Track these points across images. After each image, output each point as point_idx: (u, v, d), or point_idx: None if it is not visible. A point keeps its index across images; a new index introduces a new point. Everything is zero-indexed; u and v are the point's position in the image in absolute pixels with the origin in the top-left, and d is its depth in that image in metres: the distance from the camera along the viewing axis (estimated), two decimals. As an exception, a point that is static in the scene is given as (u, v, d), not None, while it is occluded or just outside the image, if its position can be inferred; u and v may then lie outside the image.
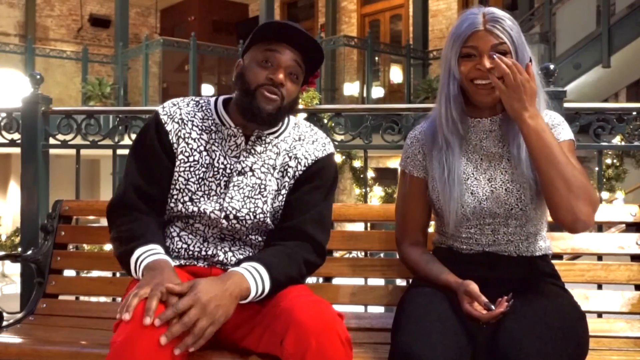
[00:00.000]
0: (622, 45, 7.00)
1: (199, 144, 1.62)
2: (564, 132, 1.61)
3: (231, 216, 1.60)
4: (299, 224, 1.60)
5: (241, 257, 1.63)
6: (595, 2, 7.45)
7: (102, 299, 2.72)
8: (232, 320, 1.56)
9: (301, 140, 1.68)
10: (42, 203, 2.57)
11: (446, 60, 1.59)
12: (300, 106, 2.71)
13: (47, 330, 1.93)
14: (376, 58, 10.83)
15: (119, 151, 2.61)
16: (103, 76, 11.00)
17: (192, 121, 1.64)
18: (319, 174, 1.65)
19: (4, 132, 2.64)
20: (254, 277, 1.46)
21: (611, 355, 1.72)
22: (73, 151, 2.61)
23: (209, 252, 1.62)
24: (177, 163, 1.61)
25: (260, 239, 1.66)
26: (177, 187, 1.62)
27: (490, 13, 1.55)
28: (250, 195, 1.61)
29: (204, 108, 1.66)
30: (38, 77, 2.61)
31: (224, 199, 1.60)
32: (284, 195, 1.64)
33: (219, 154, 1.62)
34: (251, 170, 1.62)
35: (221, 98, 1.69)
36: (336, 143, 2.60)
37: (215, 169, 1.61)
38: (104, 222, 1.83)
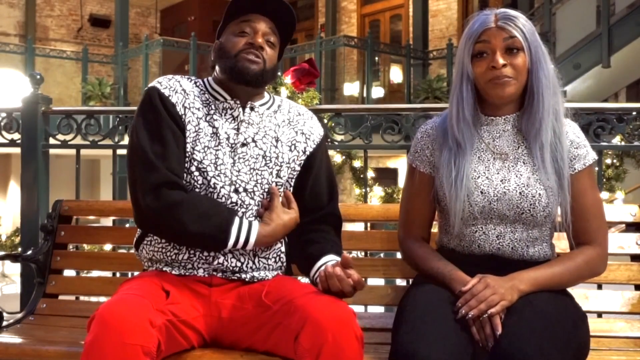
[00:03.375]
0: (622, 45, 6.99)
1: (203, 113, 1.64)
2: (589, 154, 1.62)
3: (240, 189, 1.61)
4: (332, 209, 1.74)
5: (242, 257, 1.61)
6: (595, 2, 7.45)
7: (102, 299, 2.71)
8: (237, 318, 1.56)
9: (301, 115, 1.75)
10: (42, 203, 2.57)
11: (459, 61, 1.59)
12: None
13: (47, 330, 1.93)
14: (376, 58, 10.84)
15: (119, 151, 2.61)
16: (103, 76, 11.00)
17: (193, 92, 1.67)
18: (326, 151, 1.77)
19: (4, 132, 2.64)
20: None
21: (611, 355, 1.72)
22: (73, 151, 2.61)
23: (209, 256, 1.60)
24: (187, 133, 1.61)
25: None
26: (187, 156, 1.61)
27: (503, 12, 1.57)
28: (255, 167, 1.63)
29: (197, 84, 1.70)
30: (38, 77, 2.61)
31: (232, 173, 1.61)
32: (294, 169, 1.69)
33: (222, 123, 1.64)
34: (253, 141, 1.65)
35: (210, 77, 1.72)
36: (336, 143, 2.60)
37: (220, 138, 1.63)
38: (104, 222, 1.83)
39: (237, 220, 1.56)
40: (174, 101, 1.61)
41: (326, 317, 1.39)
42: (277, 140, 1.67)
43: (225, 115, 1.65)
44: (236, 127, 1.64)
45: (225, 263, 1.60)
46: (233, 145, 1.63)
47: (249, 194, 1.62)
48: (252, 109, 1.66)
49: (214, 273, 1.61)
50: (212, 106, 1.66)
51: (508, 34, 1.54)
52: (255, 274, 1.63)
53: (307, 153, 1.70)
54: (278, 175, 1.65)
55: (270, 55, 1.64)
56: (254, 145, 1.64)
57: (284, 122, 1.70)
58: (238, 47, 1.61)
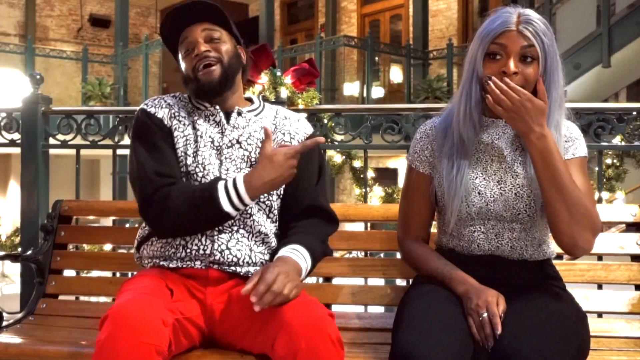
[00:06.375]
0: (622, 45, 6.99)
1: (189, 120, 1.70)
2: (580, 148, 1.59)
3: None
4: (313, 200, 1.70)
5: (238, 253, 1.63)
6: (595, 2, 7.44)
7: (102, 299, 2.72)
8: (227, 321, 1.57)
9: (287, 119, 1.77)
10: (42, 203, 2.57)
11: (472, 57, 1.55)
12: (301, 106, 2.71)
13: (47, 330, 1.93)
14: (376, 58, 10.82)
15: (119, 151, 2.61)
16: (103, 76, 10.99)
17: (177, 104, 1.73)
18: (312, 149, 1.71)
19: (4, 132, 2.64)
20: (302, 256, 1.57)
21: (611, 355, 1.72)
22: (73, 151, 2.61)
23: (207, 251, 1.62)
24: (175, 141, 1.67)
25: (259, 219, 1.66)
26: (180, 162, 1.66)
27: (526, 15, 1.51)
28: (241, 167, 1.67)
29: (180, 99, 1.77)
30: (38, 77, 2.61)
31: (220, 172, 1.64)
32: None
33: (205, 128, 1.69)
34: (238, 142, 1.68)
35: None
36: (336, 143, 2.60)
37: (205, 140, 1.67)
38: (104, 222, 1.84)
39: (222, 181, 1.58)
40: (160, 116, 1.69)
41: (300, 322, 1.39)
42: (261, 142, 1.66)
43: (209, 121, 1.70)
44: (220, 131, 1.69)
45: (222, 259, 1.62)
46: (219, 148, 1.67)
47: None
48: (239, 114, 1.70)
49: (211, 265, 1.63)
50: (196, 114, 1.71)
51: (527, 42, 1.49)
52: (252, 269, 1.65)
53: None
54: None
55: (221, 48, 1.67)
56: (239, 146, 1.68)
57: (272, 125, 1.73)
58: (190, 65, 1.66)
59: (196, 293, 1.62)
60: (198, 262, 1.63)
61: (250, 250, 1.65)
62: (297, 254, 1.57)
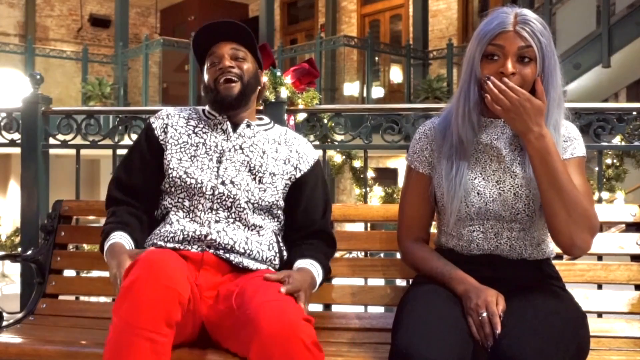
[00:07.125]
0: (622, 45, 6.99)
1: (187, 129, 1.82)
2: (578, 147, 1.59)
3: (227, 181, 1.72)
4: (322, 226, 1.83)
5: (234, 236, 1.69)
6: (595, 2, 7.44)
7: (102, 299, 2.72)
8: (213, 320, 1.61)
9: (296, 139, 1.88)
10: (42, 203, 2.56)
11: (470, 58, 1.54)
12: (301, 106, 2.71)
13: (47, 330, 1.93)
14: (376, 58, 10.82)
15: (119, 151, 2.61)
16: (103, 76, 10.99)
17: (179, 114, 1.86)
18: (319, 174, 1.87)
19: (4, 132, 2.64)
20: (317, 272, 1.71)
21: (611, 355, 1.72)
22: (73, 151, 2.61)
23: (203, 232, 1.68)
24: (168, 147, 1.79)
25: (254, 218, 1.73)
26: (171, 166, 1.76)
27: (522, 15, 1.50)
28: (240, 170, 1.75)
29: (190, 110, 1.89)
30: (38, 77, 2.61)
31: (218, 170, 1.73)
32: (286, 182, 1.79)
33: (210, 136, 1.80)
34: (241, 148, 1.78)
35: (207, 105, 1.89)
36: (336, 143, 2.60)
37: (207, 147, 1.78)
38: (104, 222, 1.84)
39: (120, 233, 1.72)
40: (154, 126, 1.84)
41: (272, 330, 1.38)
42: (264, 152, 1.78)
43: (215, 130, 1.81)
44: (226, 138, 1.79)
45: (218, 240, 1.67)
46: (221, 151, 1.77)
47: (235, 185, 1.73)
48: (248, 125, 1.81)
49: (207, 249, 1.68)
50: (205, 124, 1.83)
51: (524, 42, 1.48)
52: (244, 260, 1.68)
53: (300, 170, 1.81)
54: (260, 182, 1.75)
55: (244, 67, 1.79)
56: (241, 152, 1.78)
57: (276, 139, 1.83)
58: (213, 76, 1.79)
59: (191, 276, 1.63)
60: (195, 246, 1.69)
61: (247, 238, 1.71)
62: (315, 270, 1.71)
